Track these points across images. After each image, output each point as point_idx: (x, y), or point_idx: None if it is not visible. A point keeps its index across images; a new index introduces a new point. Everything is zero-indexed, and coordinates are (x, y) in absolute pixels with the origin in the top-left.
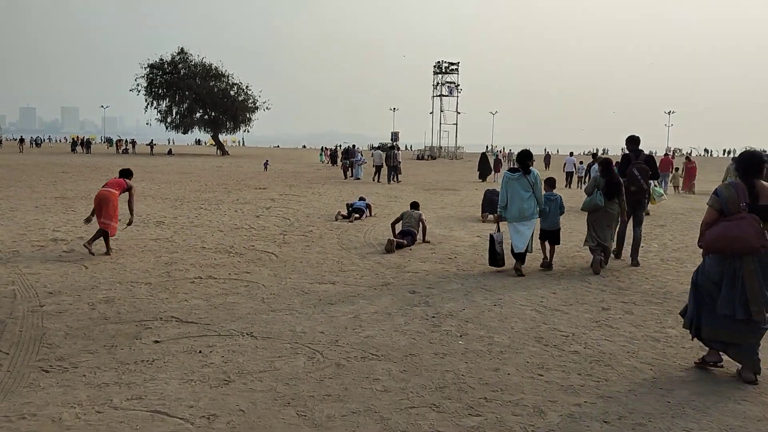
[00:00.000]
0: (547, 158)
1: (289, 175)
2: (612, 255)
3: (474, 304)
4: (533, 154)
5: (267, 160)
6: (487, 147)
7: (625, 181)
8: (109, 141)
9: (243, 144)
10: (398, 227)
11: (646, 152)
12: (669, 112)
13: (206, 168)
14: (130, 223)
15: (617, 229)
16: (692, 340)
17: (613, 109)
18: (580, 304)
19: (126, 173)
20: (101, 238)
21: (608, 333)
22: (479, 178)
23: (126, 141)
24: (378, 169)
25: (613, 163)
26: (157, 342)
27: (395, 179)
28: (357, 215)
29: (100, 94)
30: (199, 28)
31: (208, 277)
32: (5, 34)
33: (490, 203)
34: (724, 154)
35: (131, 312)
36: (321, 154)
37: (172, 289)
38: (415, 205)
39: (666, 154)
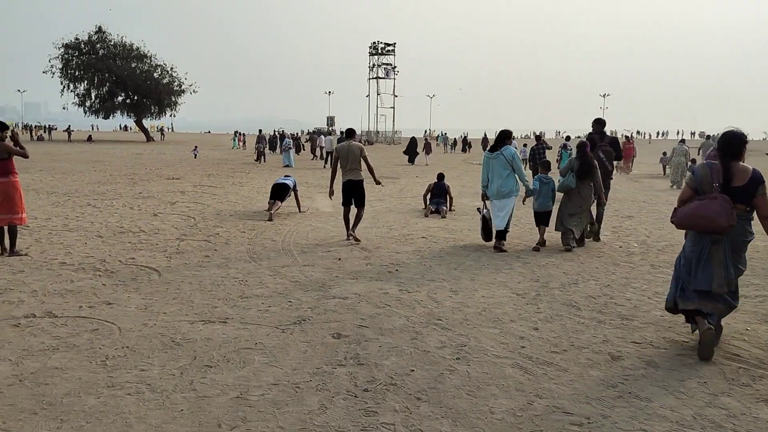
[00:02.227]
0: (485, 141)
1: (213, 162)
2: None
3: (427, 358)
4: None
5: (196, 147)
6: (425, 131)
7: None
8: (27, 127)
9: (172, 130)
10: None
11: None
12: (604, 95)
13: (124, 156)
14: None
15: (596, 212)
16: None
17: (532, 91)
18: (576, 348)
19: None
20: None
21: (642, 416)
22: (408, 161)
23: (45, 127)
24: (329, 155)
25: (588, 147)
26: None
27: None
28: (279, 202)
29: (23, 79)
30: (127, 9)
31: (45, 314)
32: None
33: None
34: (657, 136)
35: None
36: (234, 140)
37: None
38: (350, 133)
39: None
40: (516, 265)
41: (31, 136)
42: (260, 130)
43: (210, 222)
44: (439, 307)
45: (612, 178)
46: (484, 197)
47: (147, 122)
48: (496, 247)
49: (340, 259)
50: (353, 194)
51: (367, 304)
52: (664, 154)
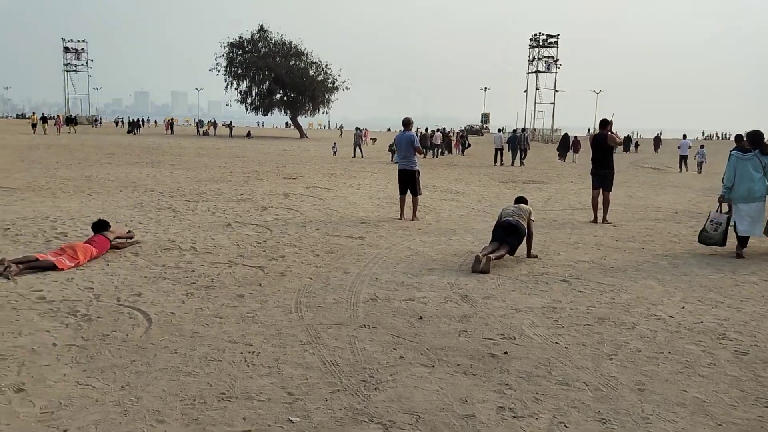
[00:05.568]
0: (657, 141)
1: (347, 160)
2: None
3: None
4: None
5: (335, 143)
6: (588, 130)
7: None
8: (199, 123)
9: (329, 127)
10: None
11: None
12: None
13: (268, 152)
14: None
15: None
16: None
17: (736, 91)
18: None
19: (99, 227)
20: (34, 266)
21: None
22: (558, 158)
23: (215, 123)
24: (499, 151)
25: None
26: None
27: (521, 161)
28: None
29: (207, 79)
30: (289, 8)
31: None
32: (123, 20)
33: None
34: None
35: None
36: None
37: None
38: (521, 201)
39: None
40: (733, 364)
41: (198, 131)
42: (357, 128)
43: (287, 237)
44: None
45: None
46: (722, 200)
47: (304, 120)
48: (738, 255)
49: (421, 318)
50: (509, 232)
51: None
52: None
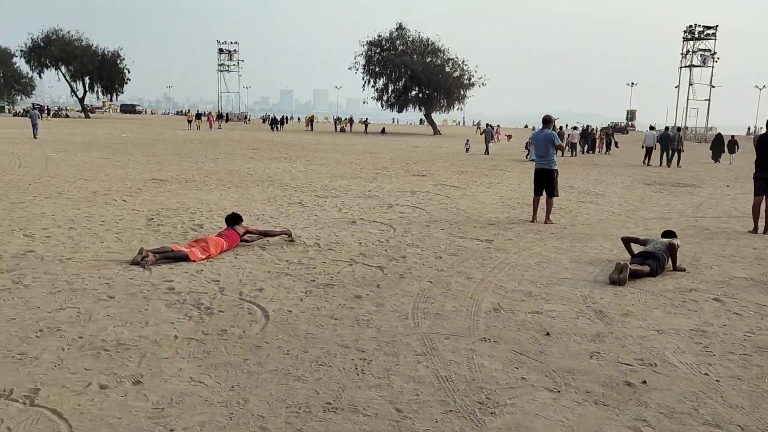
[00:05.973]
0: None
1: (479, 158)
2: None
3: None
4: None
5: (468, 140)
6: (748, 129)
7: None
8: (337, 120)
9: (463, 123)
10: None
11: None
12: None
13: (401, 148)
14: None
15: None
16: None
17: None
18: None
19: (232, 220)
20: (169, 257)
21: None
22: (712, 158)
23: (351, 120)
24: (649, 151)
25: None
26: None
27: (677, 163)
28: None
29: (346, 78)
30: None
31: None
32: (271, 22)
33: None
34: None
35: None
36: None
37: None
38: (669, 235)
39: None
40: None
41: (335, 128)
42: (487, 124)
43: (410, 236)
44: None
45: None
46: None
47: (438, 116)
48: None
49: (548, 334)
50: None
51: None
52: None
